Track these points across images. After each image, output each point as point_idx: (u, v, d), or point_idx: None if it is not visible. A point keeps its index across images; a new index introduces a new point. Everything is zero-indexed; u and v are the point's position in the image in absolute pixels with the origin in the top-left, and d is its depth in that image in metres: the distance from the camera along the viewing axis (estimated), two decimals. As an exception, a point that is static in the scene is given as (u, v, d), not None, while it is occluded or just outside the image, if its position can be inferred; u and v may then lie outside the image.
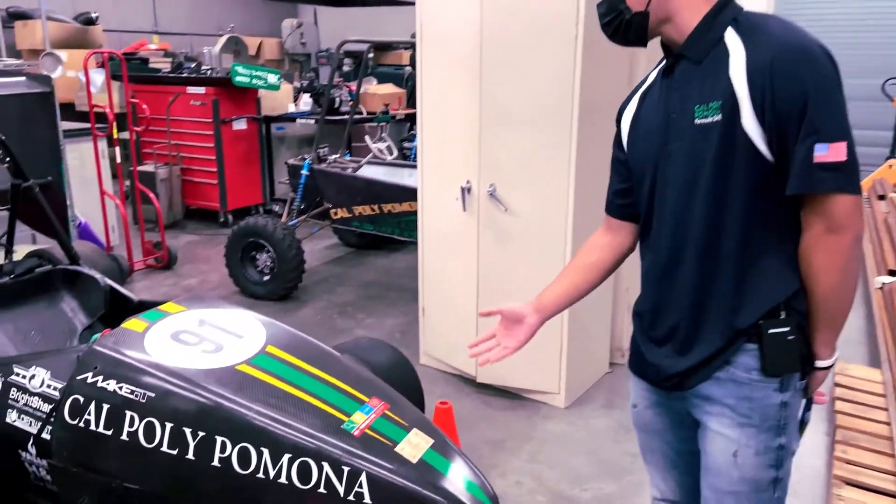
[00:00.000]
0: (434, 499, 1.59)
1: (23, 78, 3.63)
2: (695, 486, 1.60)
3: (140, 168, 6.21)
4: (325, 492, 1.62)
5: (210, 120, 6.43)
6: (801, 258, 1.35)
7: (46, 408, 1.95)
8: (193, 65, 7.50)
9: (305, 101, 7.01)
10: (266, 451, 1.67)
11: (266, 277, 4.78)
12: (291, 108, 7.09)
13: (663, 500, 1.74)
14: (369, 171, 5.17)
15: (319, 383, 1.87)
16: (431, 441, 1.75)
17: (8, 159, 2.66)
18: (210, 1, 10.57)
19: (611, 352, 3.79)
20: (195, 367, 1.84)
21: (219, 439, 1.70)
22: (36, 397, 1.97)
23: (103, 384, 1.82)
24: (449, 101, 3.37)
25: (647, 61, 3.28)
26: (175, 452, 1.73)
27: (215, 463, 1.70)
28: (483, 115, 3.16)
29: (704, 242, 1.39)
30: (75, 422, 1.83)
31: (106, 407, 1.80)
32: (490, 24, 3.05)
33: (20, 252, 3.24)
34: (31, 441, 1.97)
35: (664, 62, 1.49)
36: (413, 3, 3.48)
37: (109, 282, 2.71)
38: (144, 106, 5.34)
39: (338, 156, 5.37)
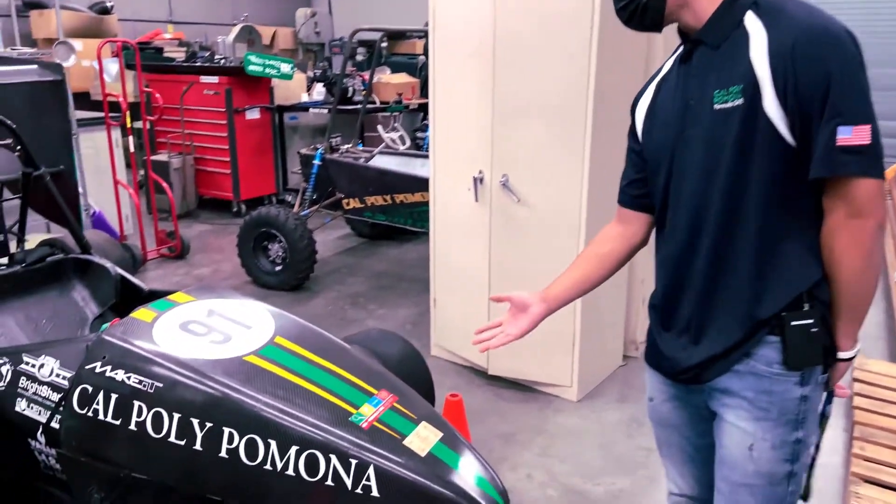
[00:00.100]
0: (442, 493, 1.57)
1: (34, 66, 3.63)
2: (713, 482, 1.57)
3: (154, 157, 6.22)
4: (332, 484, 1.61)
5: (223, 109, 6.42)
6: (822, 245, 1.32)
7: (55, 397, 1.94)
8: (207, 54, 7.50)
9: (319, 91, 6.99)
10: (273, 443, 1.66)
11: (278, 267, 4.77)
12: (305, 98, 7.07)
13: (681, 496, 1.72)
14: (382, 161, 5.14)
15: (328, 375, 1.85)
16: (440, 434, 1.72)
17: (19, 147, 2.66)
18: (224, -10, 10.57)
19: (625, 344, 3.75)
20: (203, 357, 1.83)
21: (226, 430, 1.69)
22: (45, 386, 1.97)
23: (111, 374, 1.81)
24: (462, 91, 3.33)
25: (665, 53, 3.22)
26: (183, 443, 1.72)
27: (223, 454, 1.68)
28: (496, 104, 3.12)
29: (722, 230, 1.36)
30: (84, 411, 1.82)
31: (114, 397, 1.79)
32: (504, 12, 3.00)
33: (32, 241, 3.25)
34: (40, 430, 1.97)
35: (680, 49, 1.45)
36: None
37: (120, 271, 2.71)
38: (158, 95, 5.34)
39: (350, 146, 5.34)
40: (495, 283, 3.33)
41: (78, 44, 6.77)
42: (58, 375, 1.96)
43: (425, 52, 7.63)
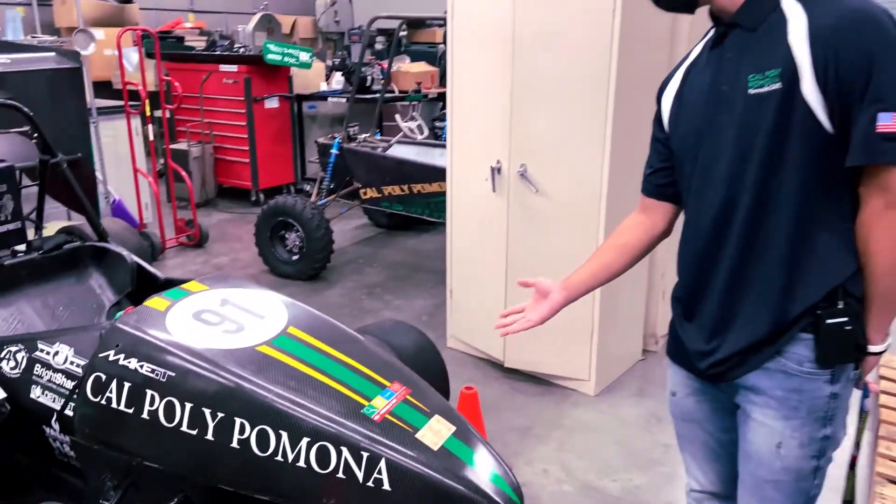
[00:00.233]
0: (455, 487, 1.54)
1: (52, 54, 3.64)
2: (736, 478, 1.54)
3: (173, 146, 6.24)
4: (343, 477, 1.59)
5: (242, 98, 6.43)
6: (857, 236, 1.28)
7: (69, 384, 1.94)
8: (227, 43, 7.50)
9: (337, 80, 6.97)
10: (285, 434, 1.64)
11: (295, 257, 4.77)
12: (323, 87, 7.06)
13: (702, 492, 1.69)
14: (399, 151, 5.11)
15: (340, 366, 1.83)
16: (453, 428, 1.69)
17: (36, 135, 2.66)
18: (245, -21, 10.56)
19: (644, 339, 3.69)
20: (216, 347, 1.82)
21: (238, 420, 1.68)
22: (59, 374, 1.97)
23: (125, 362, 1.81)
24: (480, 79, 3.28)
25: (689, 40, 3.14)
26: (195, 432, 1.71)
27: (234, 444, 1.67)
28: (515, 93, 3.07)
29: (753, 219, 1.32)
30: (97, 399, 1.82)
31: (127, 385, 1.79)
32: (524, -2, 2.94)
33: (52, 228, 3.27)
34: (54, 417, 1.97)
35: (711, 33, 1.41)
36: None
37: (136, 259, 2.71)
38: (177, 84, 5.35)
39: (368, 135, 5.31)
40: (512, 275, 3.29)
41: (99, 33, 6.79)
42: (72, 363, 1.96)
43: (445, 41, 7.57)
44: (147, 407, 1.76)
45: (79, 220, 3.75)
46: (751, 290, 1.35)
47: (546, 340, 3.23)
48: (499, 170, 3.21)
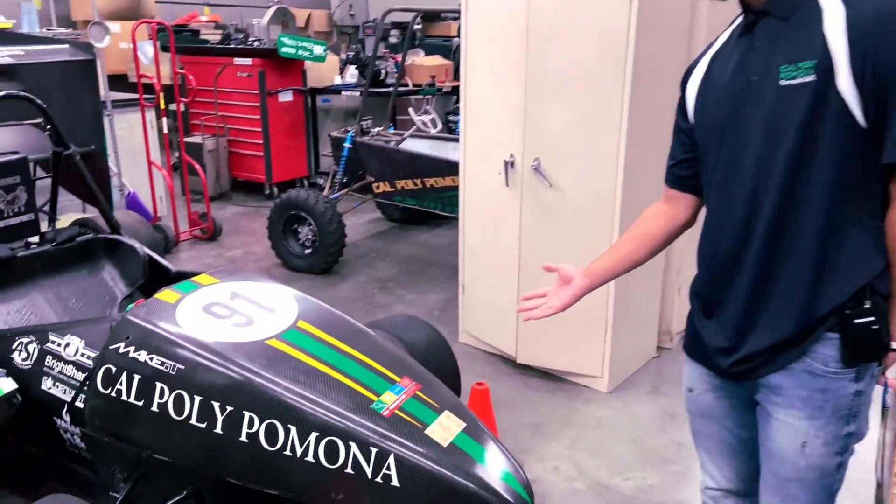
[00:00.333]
0: (464, 484, 1.52)
1: (65, 45, 3.65)
2: (753, 475, 1.52)
3: (187, 139, 6.26)
4: (352, 472, 1.58)
5: (256, 92, 6.43)
6: (886, 234, 1.25)
7: (80, 376, 1.95)
8: (241, 36, 7.51)
9: (351, 73, 6.95)
10: (294, 429, 1.63)
11: (307, 251, 4.76)
12: (337, 80, 7.04)
13: (717, 490, 1.66)
14: (412, 145, 5.08)
15: (350, 361, 1.82)
16: (463, 425, 1.68)
17: (49, 127, 2.67)
18: (260, -28, 10.56)
19: (659, 336, 3.65)
20: (225, 340, 1.81)
21: (247, 414, 1.67)
22: (70, 365, 1.98)
23: (134, 354, 1.81)
24: (494, 73, 3.25)
25: (708, 28, 3.08)
26: (203, 426, 1.71)
27: (243, 438, 1.67)
28: (529, 86, 3.03)
29: (781, 214, 1.28)
30: (107, 391, 1.82)
31: (137, 378, 1.79)
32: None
33: (66, 220, 3.28)
34: (65, 408, 1.98)
35: (741, 20, 1.36)
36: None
37: (148, 251, 2.71)
38: (191, 77, 5.36)
39: (381, 128, 5.29)
40: (525, 271, 3.26)
41: (115, 26, 6.81)
42: (83, 355, 1.97)
43: (459, 35, 7.53)
44: (157, 399, 1.76)
45: (94, 213, 3.77)
46: (776, 289, 1.32)
47: (559, 336, 3.20)
48: (512, 164, 3.18)
